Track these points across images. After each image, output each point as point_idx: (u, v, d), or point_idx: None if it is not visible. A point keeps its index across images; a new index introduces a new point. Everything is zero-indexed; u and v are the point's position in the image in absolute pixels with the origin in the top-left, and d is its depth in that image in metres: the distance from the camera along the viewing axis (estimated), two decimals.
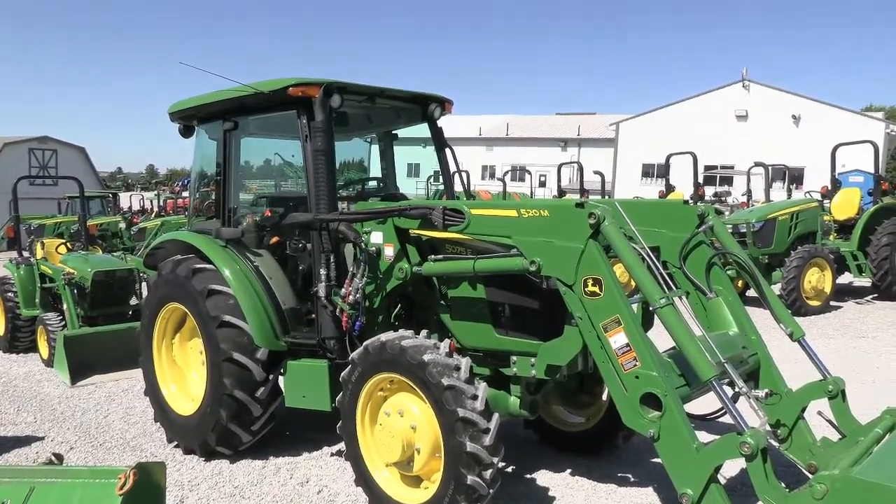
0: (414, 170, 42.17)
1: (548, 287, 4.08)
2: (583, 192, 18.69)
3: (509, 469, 4.88)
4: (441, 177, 6.09)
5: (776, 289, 11.16)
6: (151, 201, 34.73)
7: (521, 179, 41.84)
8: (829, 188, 13.56)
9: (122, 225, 21.81)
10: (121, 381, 7.40)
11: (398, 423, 3.95)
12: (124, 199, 35.65)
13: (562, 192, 21.00)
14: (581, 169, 19.64)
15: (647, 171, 46.56)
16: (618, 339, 3.44)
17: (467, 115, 56.22)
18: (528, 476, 4.79)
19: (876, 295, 12.59)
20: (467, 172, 21.46)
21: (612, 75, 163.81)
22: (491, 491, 3.71)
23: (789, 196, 17.05)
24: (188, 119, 5.79)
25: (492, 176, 50.41)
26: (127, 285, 8.71)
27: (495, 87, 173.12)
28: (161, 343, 5.60)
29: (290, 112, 4.86)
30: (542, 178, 43.79)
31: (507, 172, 25.41)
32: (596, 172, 19.30)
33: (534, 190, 30.75)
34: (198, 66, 4.87)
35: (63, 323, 8.18)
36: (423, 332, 4.07)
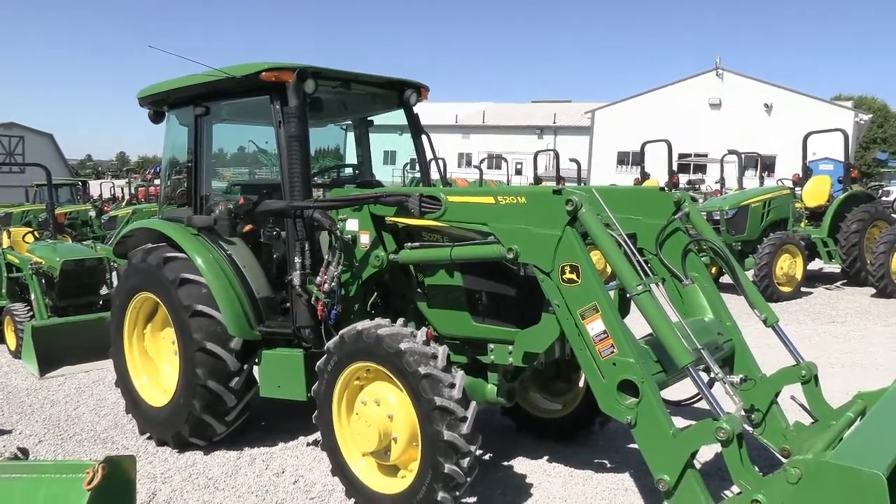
0: (390, 157, 41.99)
1: (525, 274, 4.06)
2: (559, 179, 18.73)
3: (486, 457, 4.88)
4: (417, 164, 6.04)
5: (748, 275, 11.30)
6: (122, 189, 34.15)
7: (498, 167, 41.89)
8: (801, 176, 13.73)
9: (92, 213, 21.44)
10: (91, 372, 7.26)
11: (375, 413, 3.91)
12: (94, 187, 35.02)
13: (538, 180, 21.05)
14: (557, 157, 19.67)
15: (623, 159, 46.88)
16: (595, 326, 3.43)
17: (443, 103, 56.02)
18: (506, 463, 4.80)
19: (845, 281, 12.80)
20: (444, 160, 21.43)
21: (587, 63, 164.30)
22: (469, 479, 3.70)
23: (761, 184, 17.30)
24: (158, 104, 5.66)
25: (468, 164, 50.35)
26: (97, 274, 8.55)
27: (472, 75, 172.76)
28: (132, 333, 5.50)
29: (263, 97, 4.78)
30: (519, 166, 43.86)
31: (483, 160, 25.41)
32: (572, 160, 19.36)
33: (510, 178, 30.75)
34: (168, 51, 4.77)
35: (31, 313, 8.00)
36: (400, 321, 4.03)
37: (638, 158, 17.37)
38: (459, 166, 51.17)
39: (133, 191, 30.41)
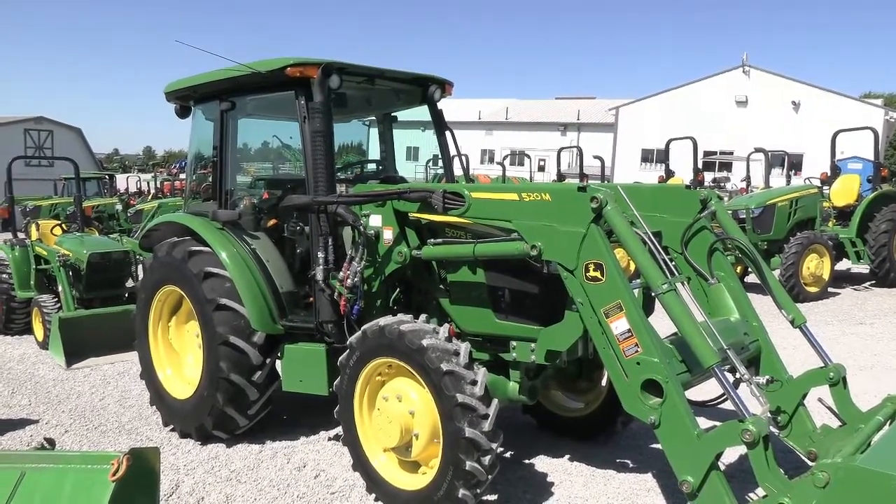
0: (413, 153, 42.03)
1: (548, 272, 4.02)
2: (582, 176, 18.60)
3: (507, 454, 4.86)
4: (441, 160, 6.02)
5: (775, 275, 11.13)
6: (148, 183, 34.51)
7: (521, 164, 41.67)
8: (829, 174, 13.50)
9: (119, 206, 21.71)
10: (116, 363, 7.36)
11: (396, 408, 3.91)
12: (121, 181, 35.41)
13: (561, 177, 20.92)
14: (581, 153, 19.54)
15: (647, 157, 46.44)
16: (619, 325, 3.40)
17: (467, 99, 55.97)
18: (527, 461, 4.78)
19: (874, 282, 12.57)
20: (466, 156, 21.39)
21: (611, 60, 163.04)
22: (490, 477, 3.69)
23: (788, 182, 17.01)
24: (185, 99, 5.70)
25: (491, 160, 50.24)
26: (123, 267, 8.65)
27: (495, 72, 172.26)
28: (157, 326, 5.55)
29: (288, 93, 4.79)
30: (542, 163, 43.70)
31: (506, 156, 25.33)
32: (595, 157, 19.21)
33: (533, 174, 30.63)
34: (194, 45, 4.80)
35: (58, 305, 8.12)
36: (423, 317, 4.03)
37: (662, 156, 17.19)
38: (482, 163, 51.09)
39: (159, 185, 30.72)
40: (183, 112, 5.79)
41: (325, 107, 4.53)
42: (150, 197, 26.85)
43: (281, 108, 5.27)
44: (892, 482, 2.27)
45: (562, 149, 21.24)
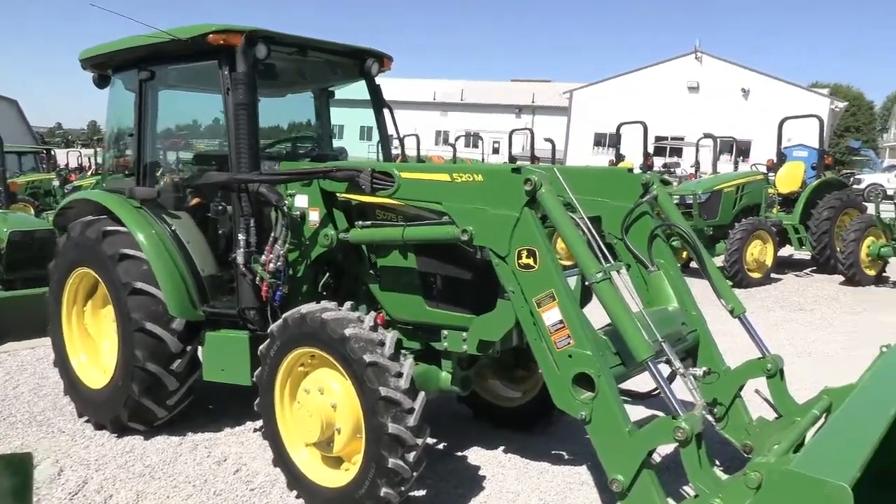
0: (367, 133, 41.42)
1: (482, 258, 3.84)
2: (534, 159, 18.54)
3: (440, 446, 4.69)
4: (379, 139, 5.76)
5: (719, 261, 11.21)
6: (90, 158, 33.23)
7: (475, 146, 41.52)
8: (775, 161, 13.64)
9: (56, 183, 20.78)
10: (38, 348, 6.92)
11: (318, 401, 3.68)
12: (61, 156, 34.05)
13: (513, 160, 20.79)
14: (532, 136, 19.42)
15: (600, 141, 46.79)
16: (551, 315, 3.22)
17: (422, 79, 55.44)
18: (460, 454, 4.60)
19: (815, 268, 12.77)
20: (417, 137, 21.11)
21: (568, 43, 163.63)
22: (415, 474, 3.49)
23: (736, 168, 17.18)
24: (102, 68, 5.31)
25: (445, 142, 49.90)
26: (47, 246, 8.13)
27: (451, 52, 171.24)
28: (71, 310, 5.19)
29: (210, 62, 4.47)
30: (496, 145, 43.57)
31: (458, 138, 25.11)
32: (546, 140, 19.11)
33: (487, 156, 30.48)
34: (110, 10, 4.45)
35: None
36: (347, 305, 3.78)
37: (614, 140, 17.19)
38: (437, 144, 50.74)
39: (101, 161, 29.60)
40: (101, 81, 5.40)
41: (249, 78, 4.24)
42: (89, 173, 25.87)
43: (204, 79, 4.95)
44: (825, 487, 2.15)
45: (513, 131, 21.07)
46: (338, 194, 4.14)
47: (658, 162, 28.69)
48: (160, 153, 5.29)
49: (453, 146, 23.12)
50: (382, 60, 5.32)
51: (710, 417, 3.96)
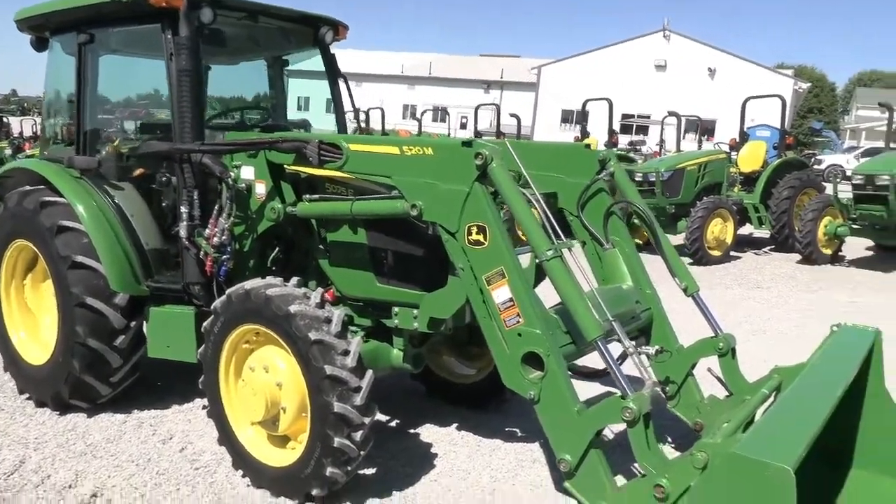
0: (331, 106, 40.81)
1: (433, 233, 3.73)
2: (499, 134, 18.39)
3: (392, 424, 4.62)
4: (334, 111, 5.59)
5: (680, 238, 11.28)
6: None
7: (442, 120, 41.25)
8: (738, 140, 13.73)
9: (8, 151, 20.07)
10: None
11: (263, 379, 3.58)
12: (15, 124, 32.93)
13: (479, 135, 20.65)
14: (498, 111, 19.28)
15: (567, 117, 46.81)
16: (501, 294, 3.15)
17: (389, 52, 54.76)
18: (412, 431, 4.54)
19: (773, 247, 12.94)
20: (382, 110, 20.83)
21: (537, 17, 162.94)
22: (362, 453, 3.41)
23: (700, 147, 17.28)
24: (39, 29, 5.04)
25: (413, 115, 49.49)
26: None
27: (420, 24, 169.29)
28: (10, 284, 4.98)
29: (153, 26, 4.26)
30: (464, 120, 43.38)
31: (424, 112, 24.84)
32: (512, 115, 19.00)
33: (455, 131, 30.29)
34: None
35: None
36: (293, 280, 3.66)
37: (580, 117, 17.12)
38: (404, 118, 50.29)
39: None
40: (39, 44, 5.13)
41: (192, 42, 4.03)
42: None
43: (147, 43, 4.72)
44: (768, 469, 2.13)
45: (479, 106, 20.88)
46: (285, 166, 3.99)
47: (624, 139, 28.83)
48: (101, 121, 5.06)
49: (419, 121, 22.86)
50: (337, 28, 5.14)
51: (661, 394, 3.96)
